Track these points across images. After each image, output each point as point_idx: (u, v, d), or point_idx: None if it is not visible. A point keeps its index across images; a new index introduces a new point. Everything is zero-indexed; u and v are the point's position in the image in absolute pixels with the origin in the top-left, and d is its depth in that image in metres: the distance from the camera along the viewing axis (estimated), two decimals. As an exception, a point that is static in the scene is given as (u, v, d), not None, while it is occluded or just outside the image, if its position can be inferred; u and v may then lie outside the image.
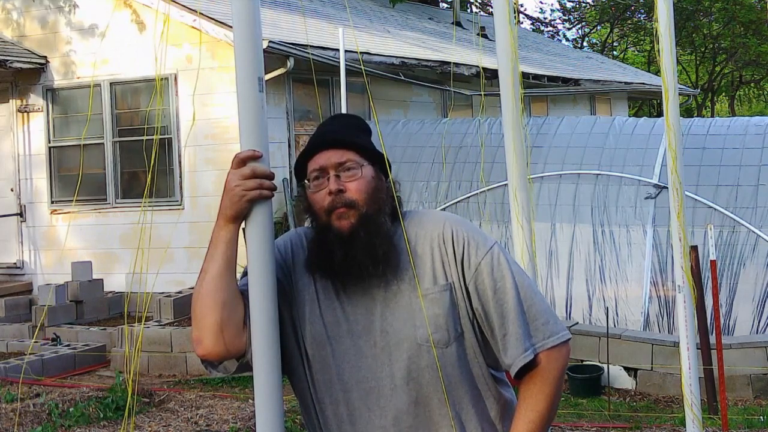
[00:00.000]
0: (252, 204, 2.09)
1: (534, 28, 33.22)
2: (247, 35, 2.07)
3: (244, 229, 2.13)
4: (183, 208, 11.14)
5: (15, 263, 12.21)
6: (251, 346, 2.15)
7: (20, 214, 12.22)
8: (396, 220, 2.24)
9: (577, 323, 8.31)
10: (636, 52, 34.88)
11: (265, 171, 2.09)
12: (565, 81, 16.68)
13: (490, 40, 16.48)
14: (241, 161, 2.09)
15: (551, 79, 16.32)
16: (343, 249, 2.15)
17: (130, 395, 5.92)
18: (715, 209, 8.48)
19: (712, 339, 6.94)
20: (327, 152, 2.20)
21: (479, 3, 30.38)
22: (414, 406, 2.19)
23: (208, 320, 2.15)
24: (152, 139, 11.15)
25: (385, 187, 2.23)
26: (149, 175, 10.96)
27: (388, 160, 2.28)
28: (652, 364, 7.73)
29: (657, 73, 19.45)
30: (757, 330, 7.93)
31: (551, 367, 2.21)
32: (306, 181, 2.22)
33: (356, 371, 2.20)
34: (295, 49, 10.88)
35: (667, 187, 4.01)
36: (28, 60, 11.87)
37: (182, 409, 7.55)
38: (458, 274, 2.20)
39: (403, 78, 12.98)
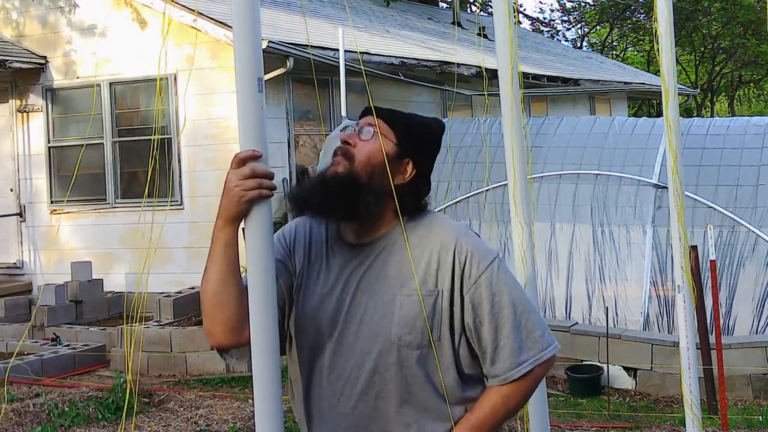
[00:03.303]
0: (251, 204, 2.09)
1: (533, 28, 33.22)
2: (247, 35, 2.06)
3: (243, 229, 2.13)
4: (183, 208, 11.14)
5: (15, 263, 12.21)
6: None
7: (20, 214, 12.22)
8: (409, 215, 2.30)
9: (577, 323, 8.31)
10: (635, 52, 34.88)
11: (265, 171, 2.10)
12: (565, 81, 16.68)
13: (490, 40, 16.49)
14: (240, 161, 2.10)
15: (551, 79, 16.32)
16: (318, 188, 2.25)
17: (128, 394, 5.93)
18: (714, 209, 8.48)
19: (712, 339, 6.94)
20: (367, 117, 2.32)
21: (479, 3, 30.37)
22: (375, 399, 2.24)
23: (217, 316, 2.22)
24: (151, 139, 11.16)
25: (391, 170, 2.25)
26: (149, 175, 10.96)
27: (426, 159, 2.33)
28: (651, 364, 7.73)
29: (656, 73, 19.44)
30: (757, 330, 7.93)
31: (539, 375, 2.30)
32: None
33: (333, 356, 2.27)
34: (295, 49, 10.88)
35: (666, 187, 4.02)
36: (28, 60, 11.87)
37: (182, 409, 7.56)
38: (451, 284, 2.23)
39: (402, 78, 12.98)
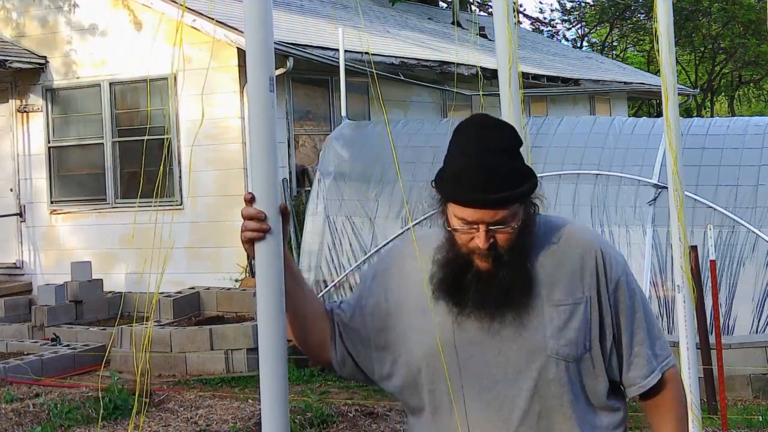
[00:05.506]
0: (251, 243, 2.06)
1: (533, 28, 33.21)
2: (259, 35, 2.05)
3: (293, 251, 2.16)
4: (183, 209, 11.13)
5: (15, 263, 12.21)
6: (337, 362, 2.27)
7: (20, 214, 12.22)
8: (540, 225, 2.18)
9: (577, 323, 8.30)
10: (636, 52, 34.87)
11: (249, 214, 2.06)
12: (565, 81, 16.67)
13: (490, 40, 16.48)
14: (245, 201, 2.10)
15: (551, 79, 16.31)
16: (479, 286, 2.11)
17: (137, 394, 5.93)
18: (714, 209, 8.48)
19: (712, 339, 6.94)
20: (479, 210, 2.06)
21: (478, 3, 30.37)
22: (537, 419, 2.14)
23: (297, 336, 2.28)
24: (151, 140, 11.15)
25: (532, 216, 2.14)
26: (159, 175, 10.97)
27: (533, 174, 2.15)
28: (651, 364, 7.72)
29: (657, 73, 19.42)
30: (757, 330, 7.93)
31: (676, 387, 2.26)
32: (450, 219, 2.12)
33: (479, 380, 2.15)
34: (295, 49, 10.88)
35: (666, 187, 4.02)
36: (28, 60, 11.86)
37: (182, 409, 7.55)
38: (597, 288, 2.16)
39: (402, 78, 12.98)
